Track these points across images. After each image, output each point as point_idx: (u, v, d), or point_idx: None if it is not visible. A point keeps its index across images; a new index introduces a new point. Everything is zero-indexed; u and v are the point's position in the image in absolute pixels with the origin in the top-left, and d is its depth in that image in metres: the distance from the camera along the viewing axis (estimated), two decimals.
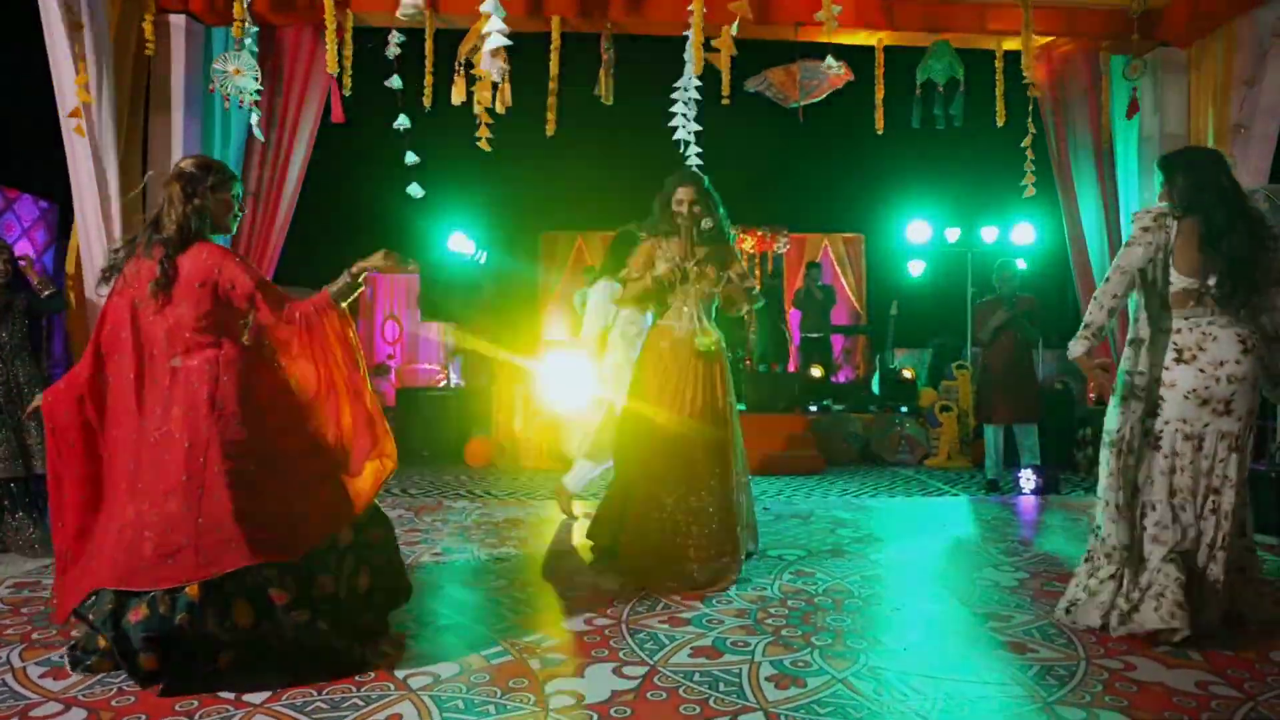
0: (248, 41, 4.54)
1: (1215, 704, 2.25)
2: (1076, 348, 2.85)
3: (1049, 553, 4.03)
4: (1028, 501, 5.49)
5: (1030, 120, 4.87)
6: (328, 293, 2.53)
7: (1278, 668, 2.49)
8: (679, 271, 3.46)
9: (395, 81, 4.79)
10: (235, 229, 2.65)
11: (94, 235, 4.44)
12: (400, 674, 2.42)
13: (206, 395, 2.37)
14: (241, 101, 4.57)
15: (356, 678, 2.38)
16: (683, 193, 3.44)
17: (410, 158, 4.90)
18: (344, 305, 2.55)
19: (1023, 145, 4.90)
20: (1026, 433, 5.80)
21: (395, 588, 2.75)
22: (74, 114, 4.26)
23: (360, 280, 2.54)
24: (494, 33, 4.00)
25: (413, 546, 3.98)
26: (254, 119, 4.66)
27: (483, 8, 4.02)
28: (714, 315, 3.64)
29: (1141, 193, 5.15)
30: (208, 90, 4.70)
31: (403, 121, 4.86)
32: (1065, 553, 4.03)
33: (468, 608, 3.09)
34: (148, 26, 4.43)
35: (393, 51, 4.78)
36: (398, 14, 4.45)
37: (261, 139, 4.76)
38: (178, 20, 4.66)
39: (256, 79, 4.59)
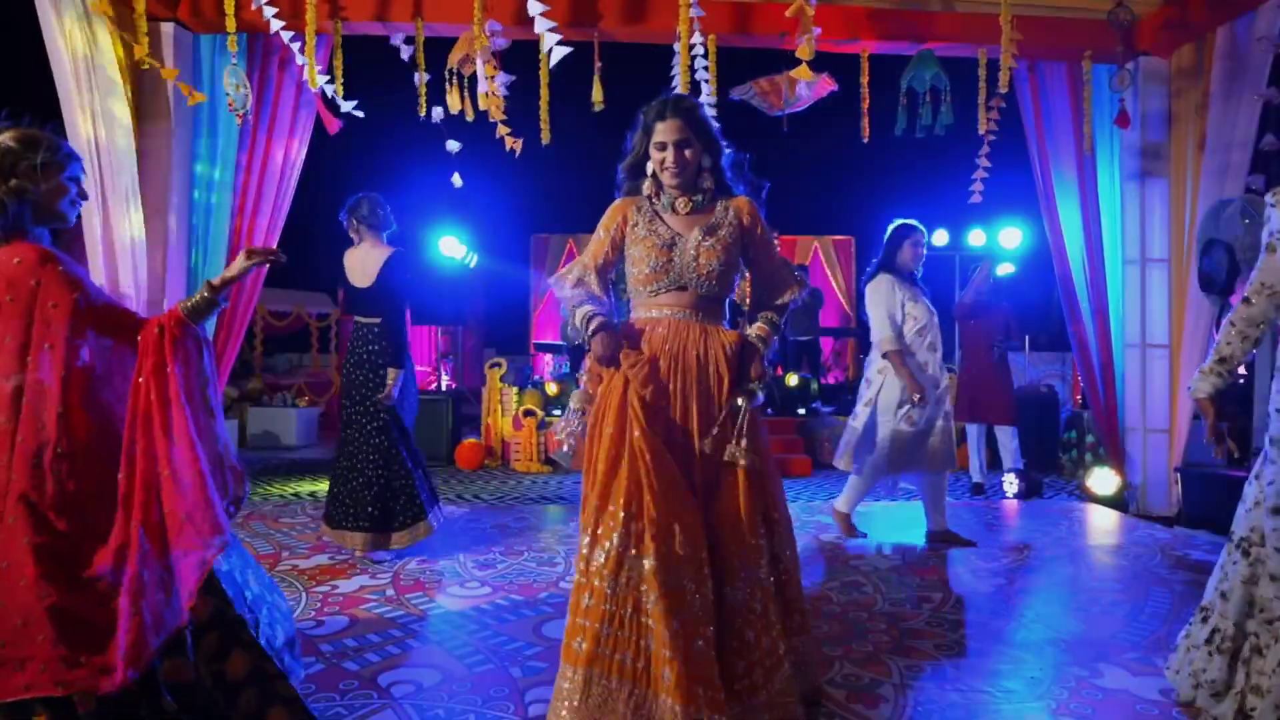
0: (238, 61, 4.59)
1: (1176, 711, 2.31)
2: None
3: (1027, 558, 4.10)
4: (1010, 506, 5.55)
5: (986, 130, 4.96)
6: (179, 309, 2.02)
7: None
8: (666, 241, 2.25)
9: (417, 78, 4.84)
10: (74, 219, 2.07)
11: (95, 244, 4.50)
12: (383, 681, 2.47)
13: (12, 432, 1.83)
14: (239, 119, 4.64)
15: (340, 685, 2.42)
16: (664, 130, 2.22)
17: (452, 145, 4.99)
18: (197, 325, 2.04)
19: (979, 156, 4.99)
20: (1007, 436, 5.87)
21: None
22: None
23: (222, 295, 2.05)
24: (552, 46, 4.02)
25: (402, 554, 4.02)
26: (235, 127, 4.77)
27: (536, 28, 4.04)
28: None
29: (1123, 201, 5.21)
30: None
31: (437, 113, 4.92)
32: (1041, 558, 4.10)
33: (451, 614, 3.14)
34: (138, 48, 4.44)
35: (406, 52, 4.84)
36: None
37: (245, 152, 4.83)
38: (166, 28, 4.69)
39: (248, 94, 4.63)
